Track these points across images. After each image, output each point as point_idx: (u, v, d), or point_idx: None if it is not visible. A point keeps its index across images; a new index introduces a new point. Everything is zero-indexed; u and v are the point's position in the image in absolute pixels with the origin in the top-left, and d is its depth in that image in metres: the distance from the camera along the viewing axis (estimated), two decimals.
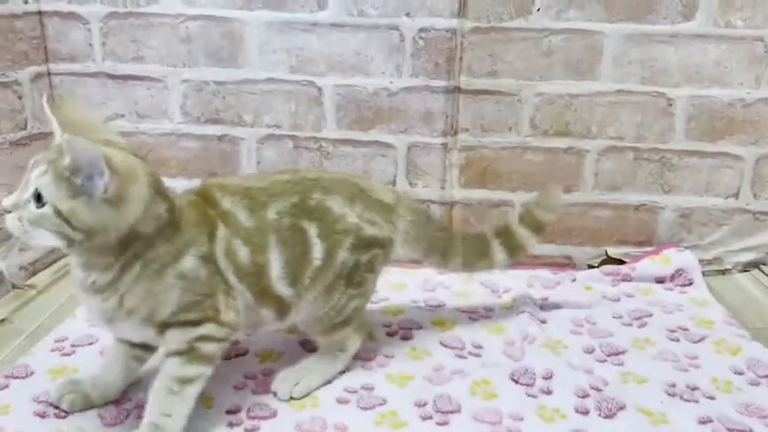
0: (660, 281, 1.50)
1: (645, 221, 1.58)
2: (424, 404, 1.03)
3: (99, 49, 1.50)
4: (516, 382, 1.10)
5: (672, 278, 1.50)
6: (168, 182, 1.58)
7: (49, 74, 1.50)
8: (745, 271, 1.59)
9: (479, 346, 1.22)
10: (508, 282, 1.48)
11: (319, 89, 1.51)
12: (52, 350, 1.13)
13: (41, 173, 0.79)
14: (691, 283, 1.49)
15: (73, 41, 1.49)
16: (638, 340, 1.25)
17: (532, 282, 1.49)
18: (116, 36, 1.49)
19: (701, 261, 1.53)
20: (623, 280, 1.50)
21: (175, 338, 0.90)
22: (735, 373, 1.14)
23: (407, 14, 1.46)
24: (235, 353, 1.15)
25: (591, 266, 1.60)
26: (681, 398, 1.06)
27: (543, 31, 1.46)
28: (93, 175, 0.78)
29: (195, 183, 1.55)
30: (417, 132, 1.53)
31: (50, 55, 1.50)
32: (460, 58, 1.48)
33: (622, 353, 1.20)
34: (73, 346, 1.14)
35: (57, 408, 0.97)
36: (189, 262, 0.89)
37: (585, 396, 1.06)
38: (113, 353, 1.01)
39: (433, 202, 1.58)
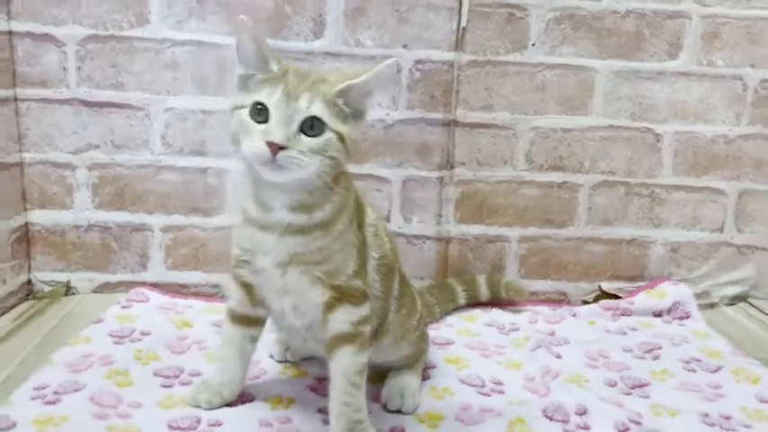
0: (657, 314, 1.49)
1: (636, 256, 1.58)
2: None
3: (74, 74, 1.38)
4: (551, 419, 1.03)
5: (669, 311, 1.49)
6: (146, 218, 1.48)
7: (15, 99, 1.37)
8: (732, 304, 1.61)
9: (500, 383, 1.15)
10: (511, 319, 1.44)
11: None
12: (33, 398, 0.97)
13: (309, 102, 0.81)
14: (688, 316, 1.48)
15: (45, 65, 1.37)
16: (655, 372, 1.22)
17: (536, 318, 1.45)
18: (94, 60, 1.38)
19: None
20: (623, 314, 1.49)
21: (342, 318, 0.91)
22: (761, 401, 1.12)
23: (404, 46, 1.43)
24: (240, 400, 1.03)
25: (585, 302, 1.57)
26: (720, 427, 1.03)
27: (538, 65, 1.47)
28: (365, 98, 0.86)
29: (175, 219, 1.47)
30: (413, 166, 1.49)
31: (19, 79, 1.37)
32: (457, 91, 1.46)
33: (646, 385, 1.17)
34: (56, 393, 0.99)
35: None
36: (354, 224, 0.93)
37: (627, 430, 1.00)
38: (228, 342, 1.02)
39: (428, 237, 1.52)
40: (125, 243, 1.47)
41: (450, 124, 1.48)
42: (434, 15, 1.43)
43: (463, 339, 1.33)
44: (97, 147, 1.42)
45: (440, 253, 1.53)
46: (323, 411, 1.01)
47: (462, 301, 1.48)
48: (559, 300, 1.58)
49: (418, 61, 1.44)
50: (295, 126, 0.81)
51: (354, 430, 0.92)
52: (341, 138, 0.83)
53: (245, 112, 0.83)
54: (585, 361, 1.25)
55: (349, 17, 1.41)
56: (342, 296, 0.91)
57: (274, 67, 0.85)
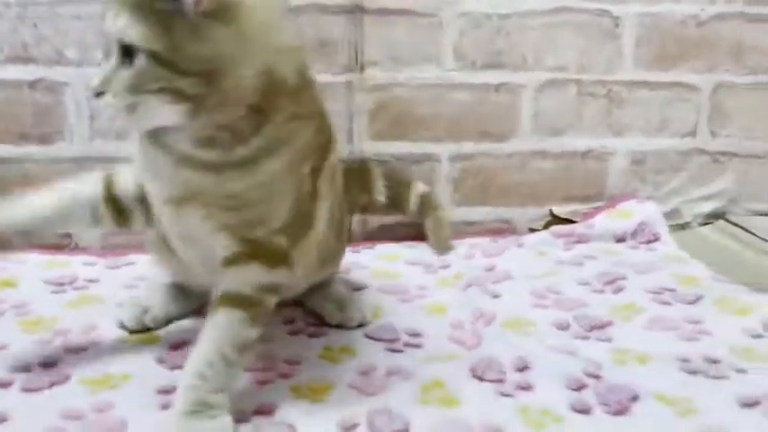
0: (620, 239, 1.23)
1: (593, 171, 1.31)
2: (353, 426, 0.67)
3: None
4: (481, 380, 0.76)
5: (633, 234, 1.23)
6: None
7: None
8: (707, 223, 1.35)
9: (417, 334, 0.87)
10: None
11: None
12: None
13: (113, 18, 0.56)
14: (657, 239, 1.23)
15: None
16: (618, 308, 0.95)
17: (472, 252, 1.17)
18: None
19: None
20: (578, 241, 1.22)
21: (244, 277, 0.67)
22: (753, 337, 0.87)
23: None
24: (48, 383, 0.73)
25: (533, 230, 1.30)
26: (705, 375, 0.77)
27: None
28: None
29: None
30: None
31: None
32: None
33: (607, 325, 0.90)
34: None
35: None
36: (306, 167, 0.68)
37: (581, 387, 0.74)
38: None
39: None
40: None
41: (356, 11, 1.16)
42: None
43: (378, 282, 1.05)
44: None
45: None
46: (168, 392, 0.72)
47: (381, 198, 1.08)
48: (502, 229, 1.30)
49: None
50: (114, 59, 0.58)
51: (201, 415, 0.64)
52: (157, 58, 0.55)
53: None
54: (531, 300, 0.98)
55: None
56: (254, 253, 0.68)
57: None
